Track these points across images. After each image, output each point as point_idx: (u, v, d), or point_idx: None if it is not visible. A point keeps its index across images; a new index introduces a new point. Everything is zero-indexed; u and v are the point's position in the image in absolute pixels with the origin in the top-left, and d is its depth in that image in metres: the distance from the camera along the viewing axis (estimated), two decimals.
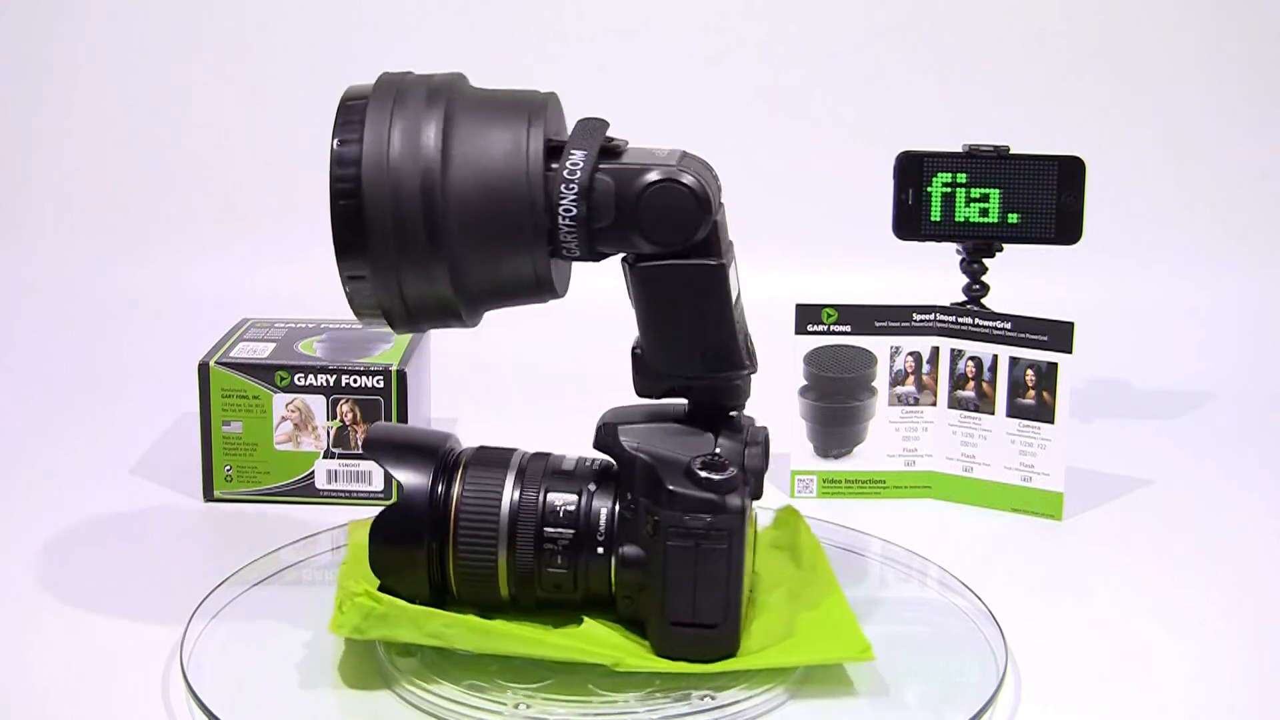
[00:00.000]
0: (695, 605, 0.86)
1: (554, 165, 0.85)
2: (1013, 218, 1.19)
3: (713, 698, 0.86)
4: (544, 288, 0.88)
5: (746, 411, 0.92)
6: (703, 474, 0.86)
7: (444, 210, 0.84)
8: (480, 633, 0.88)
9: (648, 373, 0.89)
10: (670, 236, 0.85)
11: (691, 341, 0.88)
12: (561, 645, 0.88)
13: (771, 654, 0.88)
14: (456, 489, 0.91)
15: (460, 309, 0.87)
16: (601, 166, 0.85)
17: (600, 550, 0.89)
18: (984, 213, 1.19)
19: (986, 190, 1.19)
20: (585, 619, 0.90)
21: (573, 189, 0.84)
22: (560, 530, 0.89)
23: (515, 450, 0.93)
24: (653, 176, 0.84)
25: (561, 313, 1.04)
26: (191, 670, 0.88)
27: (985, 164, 1.19)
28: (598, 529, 0.89)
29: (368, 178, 0.84)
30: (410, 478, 0.91)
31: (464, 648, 0.88)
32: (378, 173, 0.84)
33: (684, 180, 0.84)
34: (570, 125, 0.88)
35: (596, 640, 0.89)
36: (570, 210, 0.84)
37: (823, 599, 0.94)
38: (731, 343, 0.88)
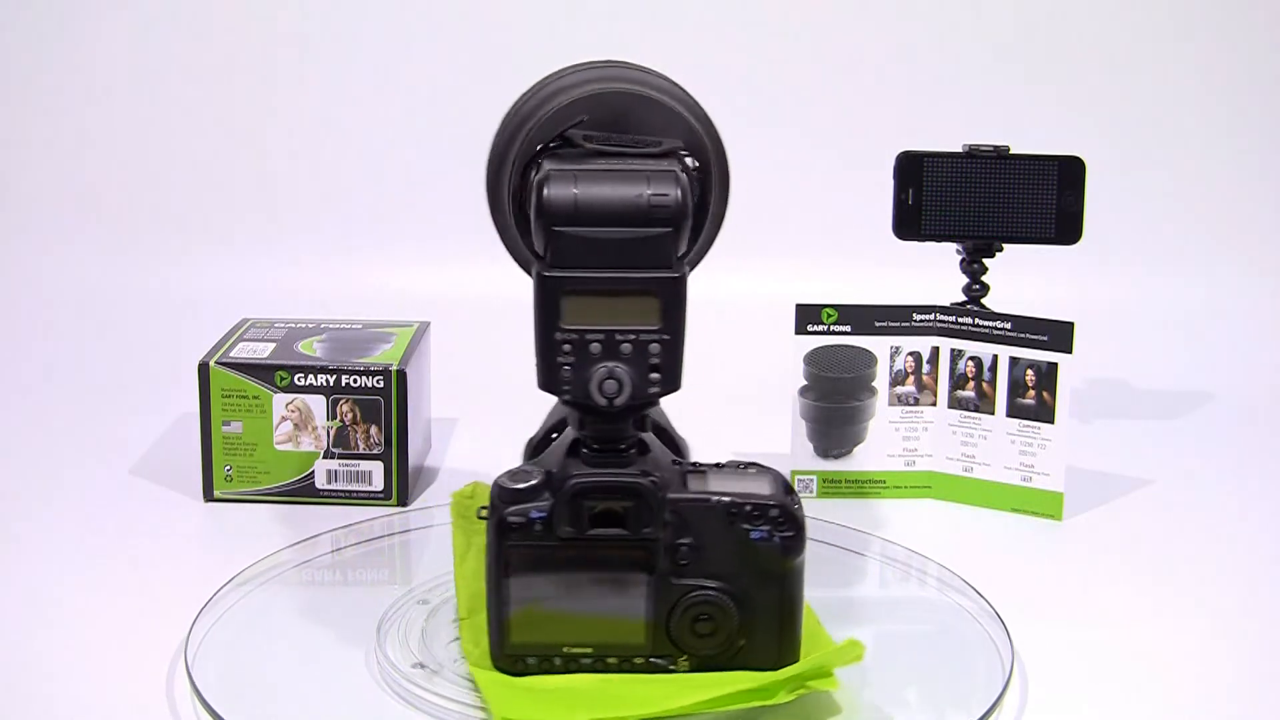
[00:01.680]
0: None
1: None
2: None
3: None
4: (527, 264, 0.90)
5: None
6: (501, 475, 0.85)
7: (501, 155, 0.92)
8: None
9: None
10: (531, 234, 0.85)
11: (536, 344, 0.84)
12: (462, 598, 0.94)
13: (502, 689, 0.84)
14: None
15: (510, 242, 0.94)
16: (549, 162, 0.86)
17: None
18: None
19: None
20: None
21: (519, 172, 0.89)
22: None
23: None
24: (538, 176, 0.83)
25: None
26: (196, 670, 0.88)
27: (984, 164, 1.19)
28: None
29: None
30: (553, 414, 0.98)
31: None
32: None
33: (542, 186, 0.82)
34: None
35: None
36: (519, 195, 0.89)
37: (669, 694, 0.85)
38: (543, 359, 0.83)
